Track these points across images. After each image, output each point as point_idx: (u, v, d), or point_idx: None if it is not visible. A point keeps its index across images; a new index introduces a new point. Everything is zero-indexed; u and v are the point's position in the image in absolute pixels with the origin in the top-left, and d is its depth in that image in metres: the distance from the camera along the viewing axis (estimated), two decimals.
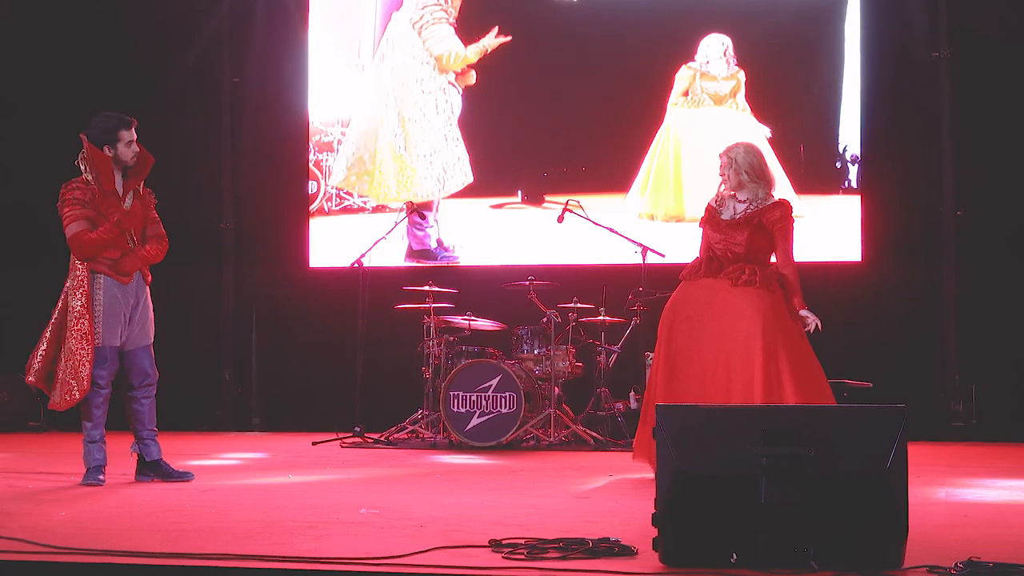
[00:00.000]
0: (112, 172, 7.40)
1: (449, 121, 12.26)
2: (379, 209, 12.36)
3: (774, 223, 7.34)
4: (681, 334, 7.41)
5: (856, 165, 11.52)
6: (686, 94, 11.81)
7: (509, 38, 12.12)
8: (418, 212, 11.75)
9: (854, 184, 11.52)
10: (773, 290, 7.29)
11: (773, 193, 7.50)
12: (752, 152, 7.47)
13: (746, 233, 7.35)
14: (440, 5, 12.29)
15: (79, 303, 7.31)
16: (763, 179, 7.43)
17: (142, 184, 7.59)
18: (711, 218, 7.52)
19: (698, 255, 7.59)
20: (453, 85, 12.28)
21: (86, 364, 7.29)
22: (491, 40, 12.17)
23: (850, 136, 11.54)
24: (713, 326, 7.30)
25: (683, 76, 11.80)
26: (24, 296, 12.53)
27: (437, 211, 12.23)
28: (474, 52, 12.22)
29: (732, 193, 7.48)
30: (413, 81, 12.37)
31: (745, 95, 11.66)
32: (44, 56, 12.45)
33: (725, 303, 7.32)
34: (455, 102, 12.29)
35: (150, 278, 7.62)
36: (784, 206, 7.45)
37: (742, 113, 11.65)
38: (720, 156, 7.52)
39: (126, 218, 7.40)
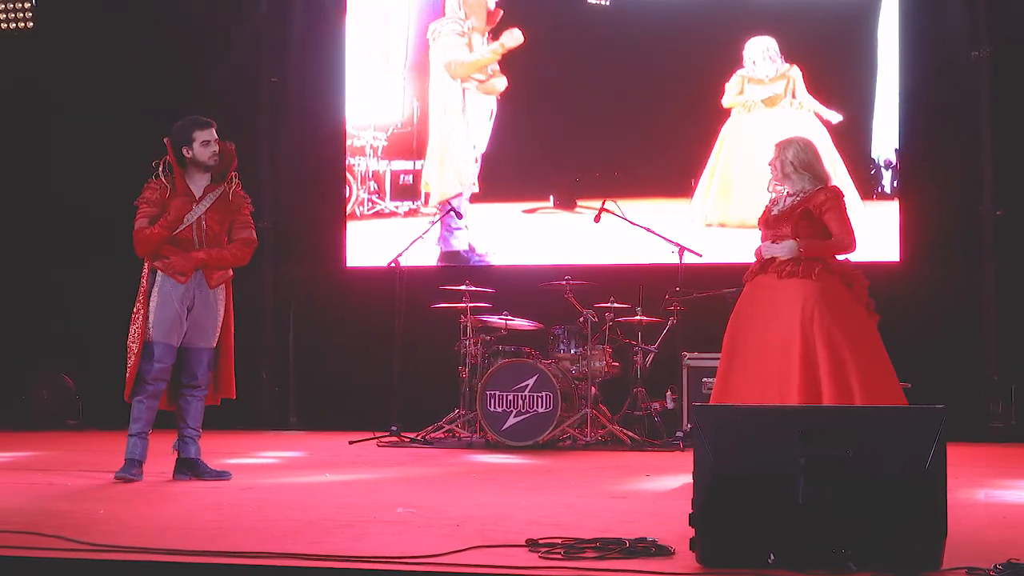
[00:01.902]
0: (182, 174, 7.53)
1: (456, 127, 12.28)
2: (411, 214, 12.37)
3: (820, 206, 7.02)
4: (735, 334, 7.23)
5: (889, 170, 11.46)
6: (741, 93, 11.74)
7: (522, 40, 12.18)
8: (454, 211, 11.76)
9: (887, 190, 11.46)
10: (819, 278, 6.93)
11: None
12: (804, 147, 7.20)
13: (790, 224, 7.06)
14: (456, 18, 12.36)
15: (138, 299, 7.51)
16: (810, 171, 7.13)
17: (234, 187, 7.68)
18: (765, 216, 7.29)
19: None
20: (468, 90, 12.30)
21: (132, 357, 7.46)
22: (508, 39, 12.19)
23: (883, 141, 11.48)
24: (757, 324, 7.08)
25: (733, 83, 11.74)
26: (67, 296, 12.64)
27: (464, 214, 12.24)
28: (487, 54, 12.24)
29: (786, 189, 7.32)
30: (436, 88, 12.43)
31: (807, 89, 11.59)
32: (84, 57, 12.50)
33: (770, 298, 7.12)
34: (474, 107, 12.29)
35: (217, 275, 7.61)
36: (830, 189, 7.11)
37: (796, 111, 11.55)
38: (774, 146, 7.28)
39: (178, 215, 7.47)
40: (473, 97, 12.37)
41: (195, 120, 7.57)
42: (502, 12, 12.30)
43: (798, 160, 7.15)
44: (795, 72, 11.63)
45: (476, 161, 12.31)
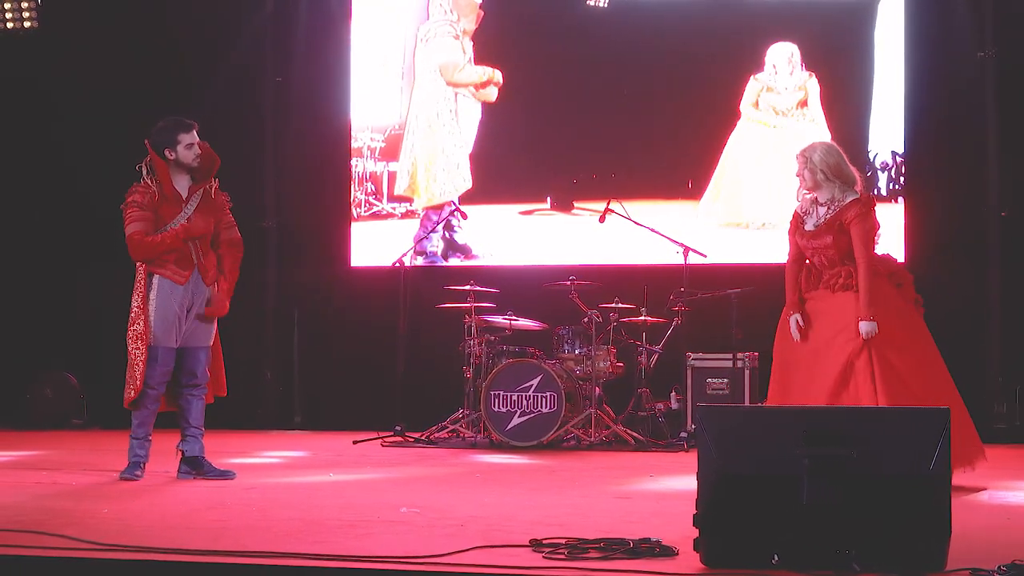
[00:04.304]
0: (169, 176, 7.49)
1: (450, 129, 12.25)
2: (408, 215, 12.33)
3: (850, 221, 7.05)
4: (791, 348, 7.20)
5: (886, 173, 11.43)
6: (756, 106, 11.66)
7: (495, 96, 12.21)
8: (460, 212, 11.73)
9: (883, 192, 11.42)
10: None
11: (857, 190, 7.20)
12: (831, 151, 7.19)
13: (831, 237, 7.09)
14: (448, 20, 12.32)
15: (136, 304, 7.48)
16: (840, 178, 7.13)
17: (215, 187, 7.67)
18: (797, 227, 7.25)
19: (786, 263, 7.41)
20: (462, 95, 12.27)
21: (139, 363, 7.42)
22: (490, 89, 12.18)
23: (880, 143, 11.46)
24: (816, 339, 7.10)
25: (751, 88, 11.65)
26: (70, 295, 12.65)
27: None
28: (483, 75, 12.21)
29: (814, 197, 7.23)
30: (426, 90, 12.40)
31: (820, 101, 11.54)
32: (87, 57, 12.49)
33: (827, 313, 7.10)
34: (464, 110, 12.26)
35: (211, 274, 7.62)
36: (862, 201, 7.13)
37: (807, 124, 11.46)
38: (797, 157, 7.25)
39: (190, 226, 7.48)
40: (463, 102, 12.32)
41: (179, 122, 7.55)
42: (483, 13, 12.27)
43: (826, 165, 7.11)
44: (812, 83, 11.55)
45: (467, 164, 12.27)
